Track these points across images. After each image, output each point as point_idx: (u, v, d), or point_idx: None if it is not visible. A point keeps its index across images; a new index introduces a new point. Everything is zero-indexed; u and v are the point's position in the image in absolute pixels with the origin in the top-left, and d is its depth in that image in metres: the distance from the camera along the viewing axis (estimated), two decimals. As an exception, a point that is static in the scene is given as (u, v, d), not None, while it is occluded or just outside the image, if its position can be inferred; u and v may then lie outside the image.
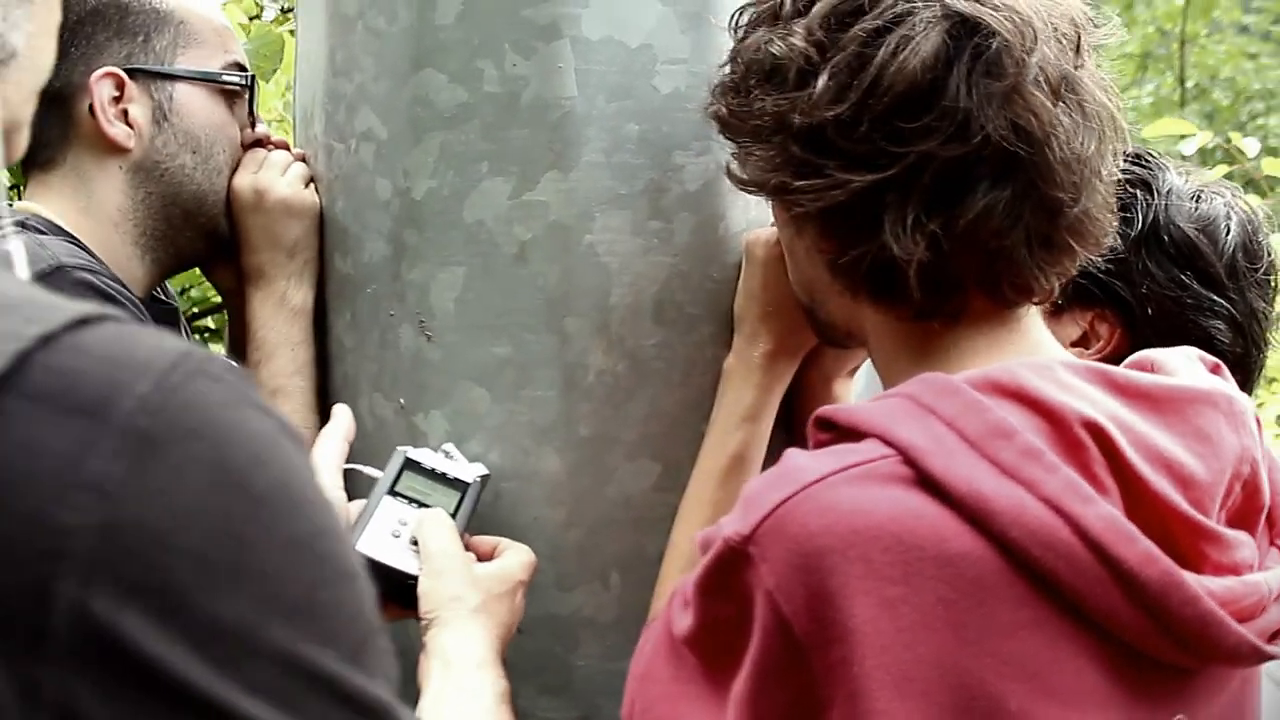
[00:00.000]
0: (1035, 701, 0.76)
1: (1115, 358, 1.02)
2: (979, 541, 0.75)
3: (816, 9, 0.85)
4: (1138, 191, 1.16)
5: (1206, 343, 1.11)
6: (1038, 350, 0.88)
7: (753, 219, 1.10)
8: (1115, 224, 0.88)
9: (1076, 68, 0.83)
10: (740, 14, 0.95)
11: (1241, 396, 0.86)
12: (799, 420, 1.11)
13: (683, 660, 0.83)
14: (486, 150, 1.07)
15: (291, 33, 1.48)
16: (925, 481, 0.76)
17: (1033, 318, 0.89)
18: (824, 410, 0.85)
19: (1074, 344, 1.17)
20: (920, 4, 0.83)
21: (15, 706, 0.36)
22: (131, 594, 0.37)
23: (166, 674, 0.38)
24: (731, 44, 0.97)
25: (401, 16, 1.09)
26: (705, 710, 0.80)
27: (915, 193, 0.82)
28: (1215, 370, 0.90)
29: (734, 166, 0.95)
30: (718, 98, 0.94)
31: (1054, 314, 1.16)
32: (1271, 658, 0.79)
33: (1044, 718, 0.76)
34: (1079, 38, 0.84)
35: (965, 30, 0.82)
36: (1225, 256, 1.15)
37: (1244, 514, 0.84)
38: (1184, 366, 0.89)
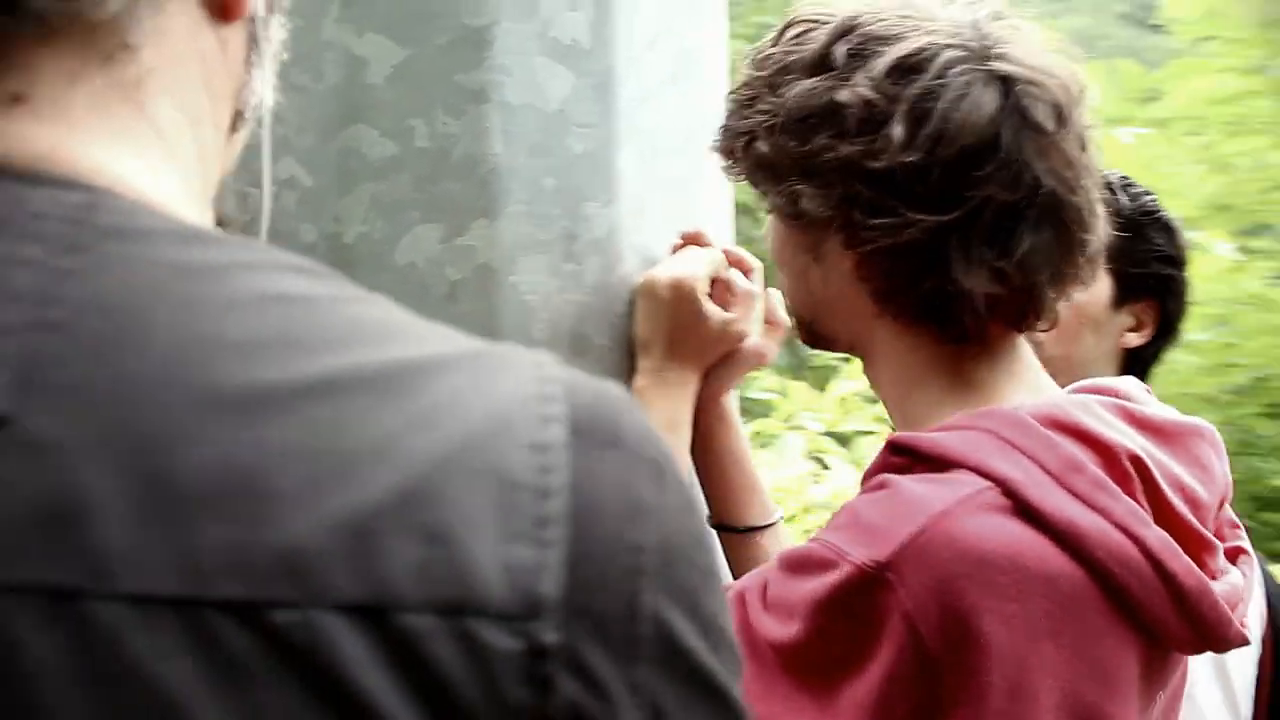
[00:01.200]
0: (1109, 700, 0.88)
1: (1153, 341, 1.38)
2: (1069, 562, 0.86)
3: (879, 62, 0.93)
4: (1147, 197, 1.54)
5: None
6: (1032, 369, 1.01)
7: (645, 259, 1.26)
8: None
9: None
10: (763, 64, 1.01)
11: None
12: (695, 429, 1.25)
13: (764, 662, 0.90)
14: (418, 199, 1.17)
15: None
16: (1023, 510, 0.86)
17: (1022, 340, 1.01)
18: (900, 437, 0.95)
19: (1130, 330, 1.51)
20: (972, 65, 0.92)
21: (631, 704, 0.42)
22: (676, 599, 0.44)
23: (702, 666, 0.45)
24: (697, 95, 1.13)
25: (328, 75, 1.17)
26: (799, 712, 0.87)
27: (976, 232, 0.91)
28: None
29: (777, 202, 1.01)
30: (761, 138, 0.99)
31: (1116, 306, 1.49)
32: (1249, 642, 0.95)
33: (1114, 714, 0.88)
34: (1085, 95, 0.96)
35: (1013, 89, 0.92)
36: None
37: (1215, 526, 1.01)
38: (1147, 396, 1.04)
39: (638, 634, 0.43)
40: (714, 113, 1.33)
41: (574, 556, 0.42)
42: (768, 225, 1.10)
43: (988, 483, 0.88)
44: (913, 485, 0.89)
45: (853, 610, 0.86)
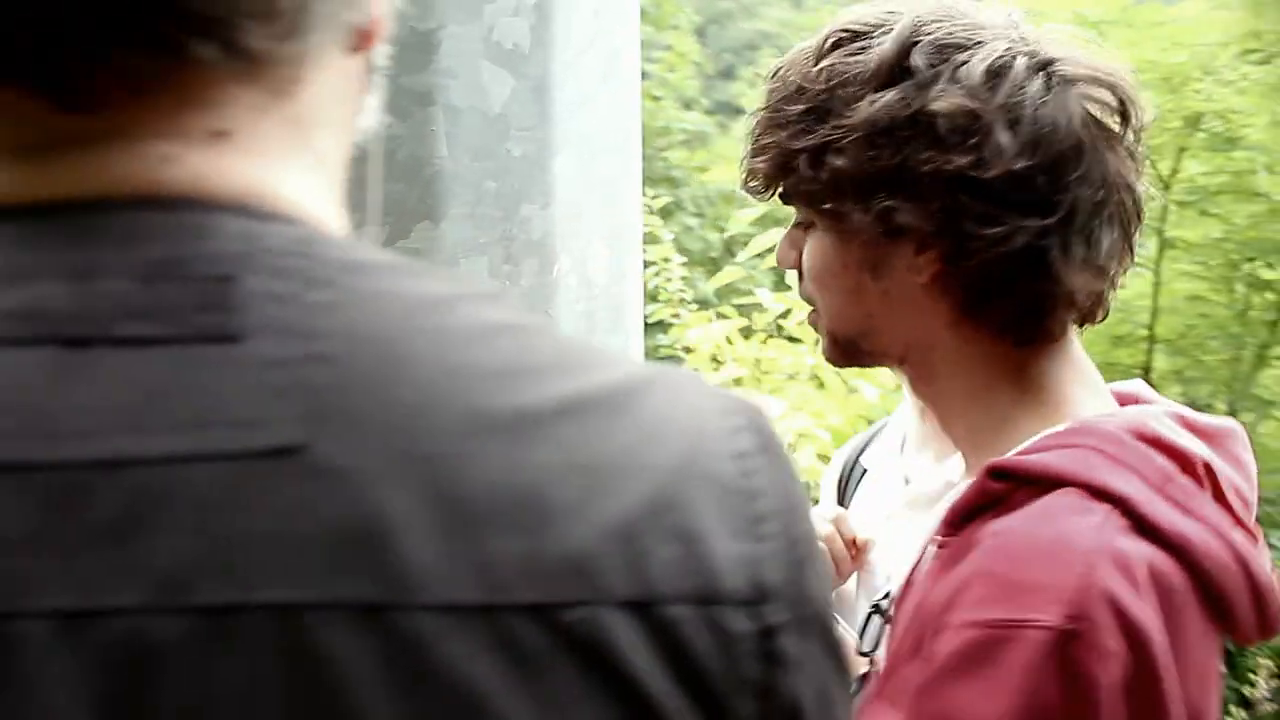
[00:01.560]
0: (1205, 698, 0.90)
1: None
2: (1179, 571, 0.87)
3: (967, 70, 0.92)
4: None
5: None
6: (1088, 364, 1.01)
7: (577, 259, 1.30)
8: None
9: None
10: (815, 77, 0.97)
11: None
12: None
13: None
14: (363, 201, 1.17)
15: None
16: (1140, 526, 0.87)
17: (1075, 335, 1.01)
18: (1000, 462, 0.92)
19: None
20: (1041, 69, 0.94)
21: (809, 675, 0.48)
22: (818, 582, 0.50)
23: (837, 640, 0.51)
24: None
25: (269, 73, 1.15)
26: None
27: (1072, 234, 0.93)
28: None
29: (863, 219, 0.95)
30: (837, 153, 0.94)
31: None
32: None
33: (1209, 710, 0.90)
34: (1136, 92, 0.98)
35: (1083, 90, 0.94)
36: None
37: None
38: (1154, 395, 1.06)
39: (808, 614, 0.49)
40: (635, 110, 1.38)
41: (781, 548, 0.48)
42: (785, 241, 1.05)
43: (1105, 505, 0.87)
44: (1036, 528, 0.87)
45: (1053, 678, 0.82)
